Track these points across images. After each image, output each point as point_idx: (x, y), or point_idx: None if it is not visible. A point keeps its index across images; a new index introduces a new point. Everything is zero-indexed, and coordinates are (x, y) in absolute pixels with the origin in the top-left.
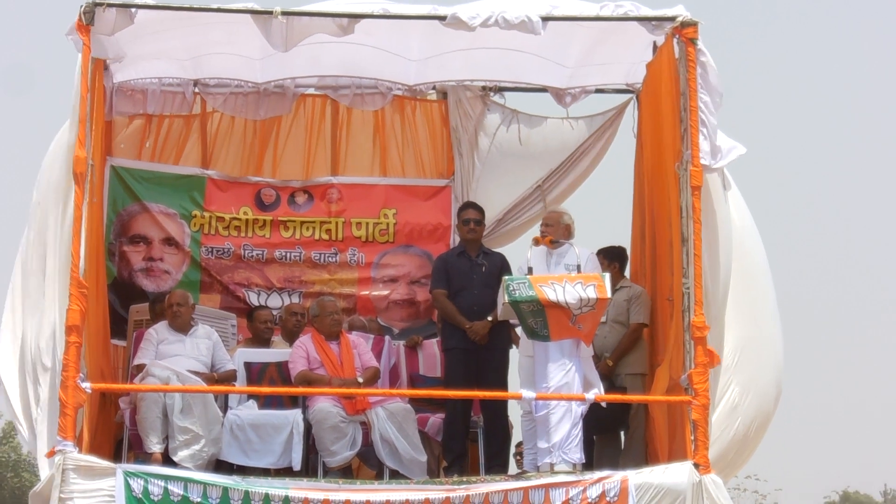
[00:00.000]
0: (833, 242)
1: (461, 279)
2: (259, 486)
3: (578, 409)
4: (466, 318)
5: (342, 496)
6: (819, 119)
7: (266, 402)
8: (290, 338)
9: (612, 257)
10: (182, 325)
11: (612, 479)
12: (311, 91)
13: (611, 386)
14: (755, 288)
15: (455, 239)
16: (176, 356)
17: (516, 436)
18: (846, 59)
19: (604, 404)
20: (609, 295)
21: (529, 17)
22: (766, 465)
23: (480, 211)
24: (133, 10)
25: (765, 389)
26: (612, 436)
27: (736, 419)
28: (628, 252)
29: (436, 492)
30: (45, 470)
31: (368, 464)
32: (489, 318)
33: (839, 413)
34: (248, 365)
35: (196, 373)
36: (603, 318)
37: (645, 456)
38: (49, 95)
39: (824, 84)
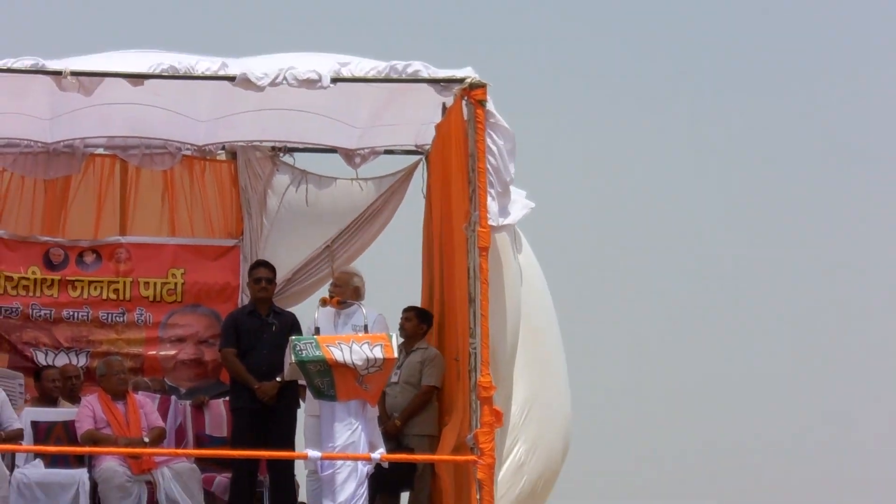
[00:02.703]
0: (632, 291)
1: (251, 338)
2: None
3: (364, 469)
4: (255, 377)
5: None
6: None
7: (52, 460)
8: (70, 399)
9: (423, 318)
10: None
11: None
12: (101, 151)
13: (398, 446)
14: (544, 346)
15: (243, 299)
16: None
17: (302, 495)
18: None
19: (386, 464)
20: (396, 355)
21: (318, 72)
22: None
23: (272, 269)
24: None
25: (551, 446)
26: (393, 496)
27: (522, 477)
28: None
29: None
30: None
31: None
32: (278, 379)
33: (630, 468)
34: (35, 424)
35: None
36: (395, 379)
37: None
38: None
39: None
